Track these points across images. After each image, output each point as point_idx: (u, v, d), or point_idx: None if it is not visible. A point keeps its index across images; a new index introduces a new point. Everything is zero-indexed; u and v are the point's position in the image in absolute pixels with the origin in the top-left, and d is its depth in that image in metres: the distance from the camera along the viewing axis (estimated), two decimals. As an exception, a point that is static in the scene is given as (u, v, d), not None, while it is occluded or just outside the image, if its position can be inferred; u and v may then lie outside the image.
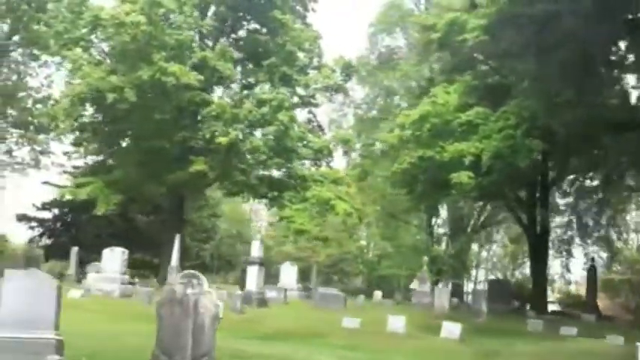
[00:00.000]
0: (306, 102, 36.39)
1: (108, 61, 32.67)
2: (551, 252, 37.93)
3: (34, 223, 44.20)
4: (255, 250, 25.23)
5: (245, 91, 35.22)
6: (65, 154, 37.74)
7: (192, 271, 8.90)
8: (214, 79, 33.03)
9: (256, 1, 35.34)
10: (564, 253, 42.06)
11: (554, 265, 43.99)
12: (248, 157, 32.47)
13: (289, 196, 33.76)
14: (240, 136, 30.86)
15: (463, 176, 23.72)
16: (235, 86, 35.52)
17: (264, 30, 35.81)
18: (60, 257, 34.44)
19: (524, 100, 24.07)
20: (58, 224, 45.14)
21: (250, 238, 37.45)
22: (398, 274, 47.77)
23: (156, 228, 41.88)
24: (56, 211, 44.19)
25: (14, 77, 38.92)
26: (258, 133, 33.64)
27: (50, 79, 38.95)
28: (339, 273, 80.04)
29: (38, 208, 44.73)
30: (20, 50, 38.19)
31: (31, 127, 38.44)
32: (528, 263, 40.23)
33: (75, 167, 40.58)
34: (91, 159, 38.18)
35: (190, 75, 29.52)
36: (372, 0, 77.21)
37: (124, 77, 29.80)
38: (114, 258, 23.93)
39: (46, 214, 44.57)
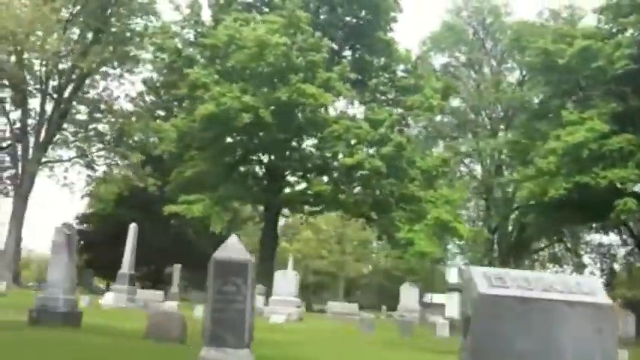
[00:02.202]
0: (406, 122, 36.74)
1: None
2: None
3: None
4: (453, 277, 25.39)
5: (350, 111, 35.42)
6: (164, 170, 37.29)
7: None
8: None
9: (361, 22, 35.71)
10: None
11: None
12: (365, 177, 32.45)
13: (399, 216, 33.99)
14: (364, 157, 30.87)
15: (630, 202, 24.35)
16: (342, 105, 35.73)
17: (368, 50, 36.08)
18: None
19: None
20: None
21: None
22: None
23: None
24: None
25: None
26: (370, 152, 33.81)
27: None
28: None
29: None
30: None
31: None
32: None
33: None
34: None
35: (327, 97, 29.68)
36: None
37: (256, 97, 29.78)
38: (287, 281, 23.81)
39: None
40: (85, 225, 55.15)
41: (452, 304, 23.88)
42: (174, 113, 41.02)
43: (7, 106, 42.94)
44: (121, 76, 38.68)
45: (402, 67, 35.90)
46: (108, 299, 22.28)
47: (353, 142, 31.38)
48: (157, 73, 41.31)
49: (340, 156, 31.12)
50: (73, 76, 39.06)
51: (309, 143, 33.02)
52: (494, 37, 56.01)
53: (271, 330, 18.07)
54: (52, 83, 39.98)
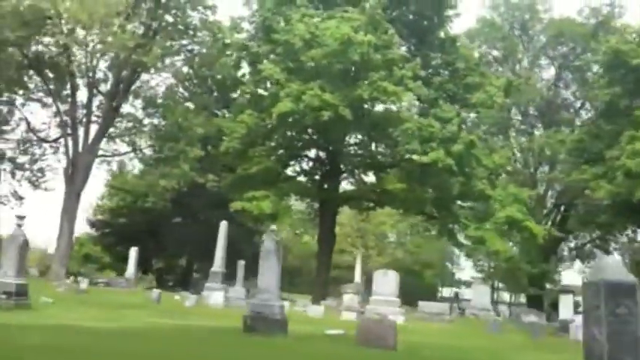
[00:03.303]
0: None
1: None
2: None
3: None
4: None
5: (416, 109, 35.37)
6: (224, 166, 37.11)
7: None
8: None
9: (424, 19, 35.65)
10: None
11: None
12: (437, 175, 32.43)
13: (464, 214, 34.07)
14: (439, 155, 30.83)
15: None
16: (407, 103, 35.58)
17: (431, 47, 36.01)
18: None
19: None
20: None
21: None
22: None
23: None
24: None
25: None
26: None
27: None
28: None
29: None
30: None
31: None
32: None
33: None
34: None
35: (408, 95, 29.63)
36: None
37: (334, 95, 29.65)
38: (388, 280, 23.80)
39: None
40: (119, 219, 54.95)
41: (567, 306, 23.83)
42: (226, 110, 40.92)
43: (50, 99, 42.86)
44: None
45: (463, 64, 35.73)
46: (217, 298, 22.15)
47: (425, 139, 31.22)
48: (206, 68, 41.02)
49: (409, 154, 30.99)
50: (125, 72, 38.65)
51: (381, 140, 32.82)
52: (529, 33, 56.19)
53: (404, 332, 18.04)
54: (98, 75, 39.78)
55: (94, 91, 40.53)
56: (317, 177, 38.24)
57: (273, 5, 33.35)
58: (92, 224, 61.59)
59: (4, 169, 47.80)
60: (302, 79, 31.58)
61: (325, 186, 37.44)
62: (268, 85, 33.36)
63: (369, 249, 74.01)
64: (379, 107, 32.83)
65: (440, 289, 79.77)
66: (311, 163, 39.36)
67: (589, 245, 57.00)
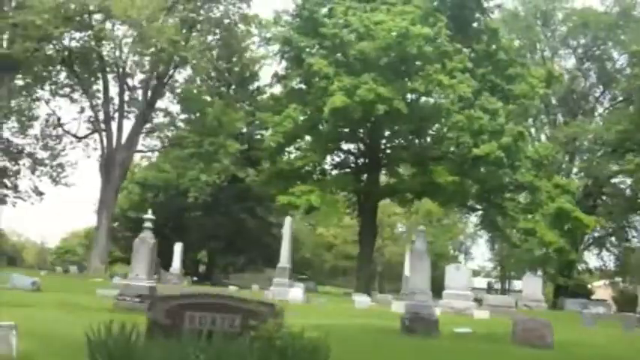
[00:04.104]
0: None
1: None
2: None
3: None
4: None
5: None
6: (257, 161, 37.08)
7: None
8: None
9: (466, 10, 35.55)
10: None
11: None
12: (486, 168, 32.52)
13: (511, 206, 34.20)
14: (492, 148, 30.85)
15: None
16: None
17: (474, 39, 35.95)
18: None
19: None
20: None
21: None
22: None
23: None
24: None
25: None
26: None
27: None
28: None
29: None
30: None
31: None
32: None
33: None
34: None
35: (463, 87, 29.62)
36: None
37: (388, 88, 29.62)
38: (461, 274, 23.86)
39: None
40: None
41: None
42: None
43: (76, 94, 42.57)
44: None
45: (504, 55, 35.69)
46: (297, 294, 22.14)
47: (476, 132, 31.26)
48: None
49: (460, 147, 31.07)
50: (161, 66, 38.36)
51: (427, 133, 32.87)
52: (549, 23, 56.26)
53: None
54: (129, 71, 39.51)
55: (125, 86, 40.34)
56: (357, 170, 38.28)
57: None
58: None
59: (24, 165, 47.57)
60: (350, 73, 31.51)
61: (364, 179, 37.55)
62: (315, 79, 33.02)
63: (384, 239, 74.23)
64: (428, 100, 32.73)
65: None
66: (351, 157, 39.46)
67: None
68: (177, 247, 35.62)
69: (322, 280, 68.35)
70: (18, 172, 47.66)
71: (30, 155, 46.83)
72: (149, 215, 14.57)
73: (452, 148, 32.23)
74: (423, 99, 33.14)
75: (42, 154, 46.39)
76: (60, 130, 44.23)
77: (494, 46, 35.42)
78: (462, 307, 23.24)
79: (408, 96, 32.20)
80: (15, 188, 47.75)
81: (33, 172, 47.05)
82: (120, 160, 38.51)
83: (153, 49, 34.77)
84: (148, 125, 40.12)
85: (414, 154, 33.61)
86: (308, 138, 36.81)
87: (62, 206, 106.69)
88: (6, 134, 45.31)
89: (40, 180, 47.19)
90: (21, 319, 9.92)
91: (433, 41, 29.51)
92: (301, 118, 33.91)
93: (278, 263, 25.91)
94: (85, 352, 4.94)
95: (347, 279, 78.78)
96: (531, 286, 31.25)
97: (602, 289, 62.87)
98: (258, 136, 44.62)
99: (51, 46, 37.56)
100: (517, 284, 71.37)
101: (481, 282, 68.80)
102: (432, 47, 29.79)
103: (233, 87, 47.42)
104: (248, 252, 56.57)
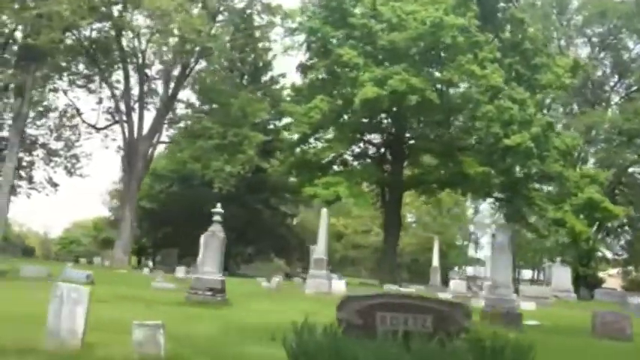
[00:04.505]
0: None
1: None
2: None
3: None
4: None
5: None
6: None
7: None
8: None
9: (493, 1, 35.40)
10: None
11: None
12: (515, 158, 32.41)
13: (538, 196, 34.17)
14: (524, 138, 30.74)
15: None
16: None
17: (500, 28, 35.80)
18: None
19: None
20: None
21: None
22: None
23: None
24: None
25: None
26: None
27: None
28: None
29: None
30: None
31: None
32: None
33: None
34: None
35: (496, 77, 29.51)
36: None
37: (420, 78, 29.51)
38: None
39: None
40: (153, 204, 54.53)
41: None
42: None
43: (93, 85, 42.40)
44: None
45: (530, 45, 35.51)
46: (340, 286, 22.11)
47: (505, 122, 31.15)
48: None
49: (491, 137, 30.97)
50: (183, 58, 38.10)
51: (457, 123, 32.79)
52: (565, 12, 56.07)
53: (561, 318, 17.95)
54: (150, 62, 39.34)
55: (145, 77, 40.16)
56: (380, 161, 38.24)
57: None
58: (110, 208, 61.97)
59: (37, 155, 47.49)
60: (378, 63, 31.39)
61: (387, 169, 37.52)
62: (344, 69, 32.87)
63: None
64: (456, 90, 32.65)
65: (456, 268, 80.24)
66: (370, 147, 39.41)
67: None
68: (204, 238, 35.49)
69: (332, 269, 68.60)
70: (32, 163, 47.68)
71: (44, 146, 46.80)
72: (218, 209, 14.51)
73: (481, 139, 32.06)
74: (451, 89, 32.98)
75: (56, 145, 46.48)
76: (75, 121, 44.14)
77: (519, 36, 35.24)
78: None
79: (437, 86, 32.10)
80: (30, 179, 47.76)
81: (47, 163, 47.08)
82: (142, 151, 38.37)
83: (177, 40, 34.54)
84: (170, 116, 39.90)
85: (441, 145, 33.50)
86: (331, 129, 36.68)
87: (63, 196, 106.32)
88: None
89: (54, 171, 47.26)
90: (112, 314, 9.91)
91: (466, 31, 29.36)
92: (327, 108, 33.72)
93: (314, 255, 25.84)
94: (288, 353, 4.88)
95: (356, 269, 79.01)
96: (561, 277, 31.18)
97: (612, 279, 63.08)
98: (271, 127, 44.57)
99: (72, 36, 37.35)
100: (525, 274, 71.68)
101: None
102: (464, 37, 29.63)
103: (246, 77, 47.24)
104: (259, 242, 56.51)
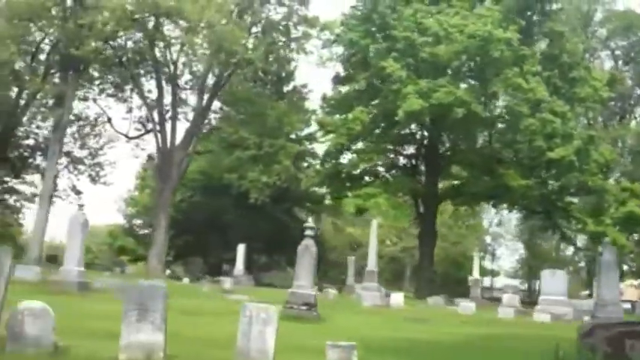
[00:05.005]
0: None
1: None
2: None
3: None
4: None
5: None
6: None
7: None
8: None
9: (531, 13, 35.52)
10: None
11: None
12: (558, 171, 32.44)
13: (577, 209, 34.19)
14: (568, 152, 30.78)
15: None
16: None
17: (539, 41, 35.94)
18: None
19: None
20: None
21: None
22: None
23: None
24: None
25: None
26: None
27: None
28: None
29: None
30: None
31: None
32: None
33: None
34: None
35: (541, 90, 29.63)
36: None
37: (466, 91, 29.61)
38: (556, 280, 23.81)
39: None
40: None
41: None
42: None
43: (123, 94, 42.51)
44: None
45: (567, 58, 35.62)
46: (398, 299, 22.11)
47: (549, 136, 31.22)
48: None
49: (533, 150, 31.06)
50: (220, 69, 38.20)
51: (497, 136, 32.87)
52: (590, 24, 56.18)
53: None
54: (177, 69, 39.39)
55: (177, 87, 40.30)
56: (413, 172, 38.31)
57: (390, 1, 33.06)
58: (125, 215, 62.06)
59: (62, 164, 47.56)
60: (419, 76, 31.51)
61: (420, 181, 37.59)
62: (385, 82, 32.97)
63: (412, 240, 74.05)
64: (497, 103, 32.75)
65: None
66: (405, 159, 39.47)
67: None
68: (241, 248, 35.63)
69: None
70: (57, 170, 47.74)
71: (68, 154, 46.89)
72: (310, 223, 14.51)
73: (523, 152, 32.12)
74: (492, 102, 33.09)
75: (80, 153, 46.61)
76: (105, 129, 44.31)
77: (557, 50, 35.35)
78: (560, 312, 23.04)
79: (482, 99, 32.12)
80: (54, 187, 47.80)
81: (72, 172, 47.14)
82: (177, 161, 38.43)
83: (216, 51, 34.64)
84: (205, 126, 40.01)
85: (480, 157, 33.55)
86: (366, 140, 36.77)
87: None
88: (44, 133, 45.44)
89: (77, 179, 47.31)
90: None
91: (512, 44, 29.49)
92: (367, 120, 33.85)
93: (367, 267, 25.91)
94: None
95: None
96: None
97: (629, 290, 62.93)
98: (293, 136, 44.44)
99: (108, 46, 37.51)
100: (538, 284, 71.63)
101: (504, 282, 68.77)
102: (511, 50, 29.75)
103: (268, 86, 47.27)
104: (282, 252, 56.46)
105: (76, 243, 16.38)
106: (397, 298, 22.20)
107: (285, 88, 48.57)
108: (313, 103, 42.05)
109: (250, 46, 35.78)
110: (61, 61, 34.77)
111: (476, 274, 32.32)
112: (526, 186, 31.34)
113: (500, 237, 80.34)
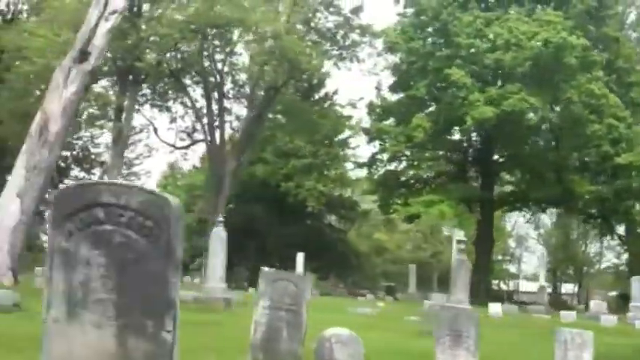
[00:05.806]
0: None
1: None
2: None
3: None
4: None
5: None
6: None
7: None
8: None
9: (588, 16, 35.48)
10: None
11: None
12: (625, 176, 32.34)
13: (637, 213, 34.17)
14: (637, 157, 30.70)
15: None
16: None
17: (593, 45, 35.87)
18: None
19: None
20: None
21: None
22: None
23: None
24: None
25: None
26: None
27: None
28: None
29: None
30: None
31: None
32: None
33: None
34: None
35: (612, 95, 29.65)
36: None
37: (538, 98, 29.60)
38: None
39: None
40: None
41: None
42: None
43: (169, 103, 42.48)
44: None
45: (624, 63, 35.61)
46: (496, 309, 22.01)
47: (615, 141, 31.23)
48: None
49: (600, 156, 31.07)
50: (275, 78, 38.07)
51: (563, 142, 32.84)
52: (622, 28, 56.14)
53: None
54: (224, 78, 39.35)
55: (223, 96, 40.25)
56: (467, 178, 38.30)
57: (451, 8, 33.04)
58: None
59: (95, 173, 47.50)
60: (485, 83, 31.53)
61: (474, 187, 37.56)
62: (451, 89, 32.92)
63: (442, 243, 74.00)
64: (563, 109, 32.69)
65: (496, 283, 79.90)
66: (456, 166, 39.40)
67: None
68: (300, 257, 35.47)
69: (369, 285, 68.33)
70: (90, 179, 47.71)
71: (102, 164, 46.80)
72: (461, 236, 14.46)
73: (589, 157, 32.13)
74: (558, 108, 33.07)
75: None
76: (150, 139, 44.33)
77: (614, 55, 35.37)
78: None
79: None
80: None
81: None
82: (230, 170, 38.36)
83: (279, 61, 34.56)
84: (257, 134, 39.96)
85: (544, 162, 33.50)
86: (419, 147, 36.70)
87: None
88: (79, 143, 45.55)
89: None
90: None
91: (586, 51, 29.54)
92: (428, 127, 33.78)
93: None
94: None
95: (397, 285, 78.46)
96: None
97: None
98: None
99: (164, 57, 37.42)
100: (564, 287, 71.55)
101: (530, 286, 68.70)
102: (583, 57, 29.80)
103: (299, 93, 47.05)
104: (319, 259, 56.23)
105: (219, 260, 16.32)
106: (495, 308, 22.02)
107: (317, 95, 48.49)
108: (346, 109, 41.71)
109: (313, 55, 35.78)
110: (119, 73, 34.72)
111: (542, 281, 32.19)
112: (596, 191, 31.29)
113: (525, 240, 79.97)
